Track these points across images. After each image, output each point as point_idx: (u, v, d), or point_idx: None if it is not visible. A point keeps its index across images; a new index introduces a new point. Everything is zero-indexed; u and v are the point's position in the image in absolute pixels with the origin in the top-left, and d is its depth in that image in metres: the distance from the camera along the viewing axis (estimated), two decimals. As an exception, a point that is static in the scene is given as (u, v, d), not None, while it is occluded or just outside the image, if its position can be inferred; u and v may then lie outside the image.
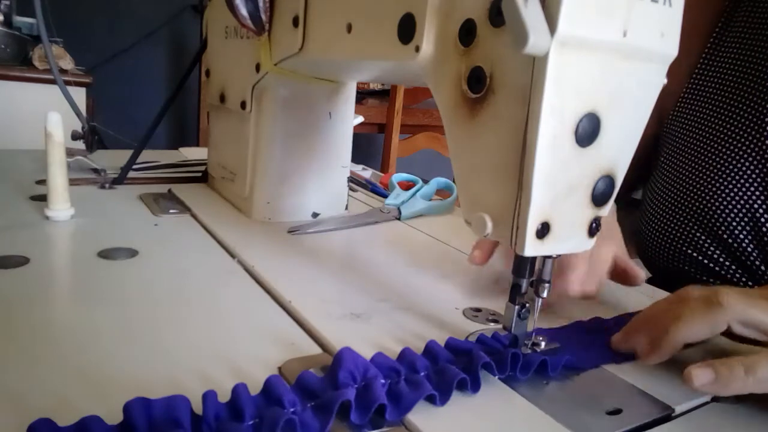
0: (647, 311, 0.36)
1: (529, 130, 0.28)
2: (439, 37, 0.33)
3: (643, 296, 0.48)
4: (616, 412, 0.30)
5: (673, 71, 0.31)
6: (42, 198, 0.55)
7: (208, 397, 0.26)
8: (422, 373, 0.30)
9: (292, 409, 0.26)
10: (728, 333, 0.33)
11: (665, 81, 0.31)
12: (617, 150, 0.30)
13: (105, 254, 0.46)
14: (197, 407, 0.26)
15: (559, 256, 0.34)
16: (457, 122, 0.32)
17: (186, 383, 0.29)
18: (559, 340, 0.37)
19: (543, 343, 0.35)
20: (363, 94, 1.97)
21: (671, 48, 0.30)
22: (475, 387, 0.30)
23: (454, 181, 0.72)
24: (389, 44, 0.36)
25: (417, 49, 0.33)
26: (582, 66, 0.27)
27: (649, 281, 0.54)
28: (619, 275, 0.45)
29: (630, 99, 0.30)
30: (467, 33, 0.30)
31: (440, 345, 0.33)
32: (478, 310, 0.42)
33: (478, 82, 0.30)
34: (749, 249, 0.55)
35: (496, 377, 0.32)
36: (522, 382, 0.32)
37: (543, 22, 0.25)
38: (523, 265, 0.33)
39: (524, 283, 0.34)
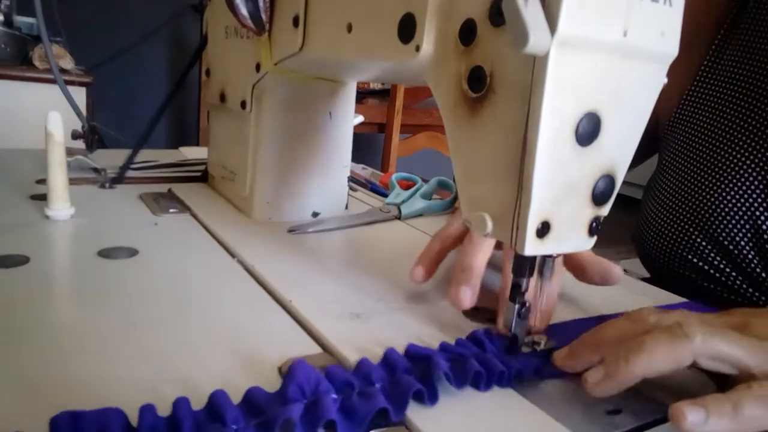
0: (600, 332, 0.33)
1: (530, 129, 0.28)
2: (440, 37, 0.33)
3: (642, 296, 0.48)
4: (616, 412, 0.30)
5: (675, 72, 0.31)
6: (42, 197, 0.55)
7: (146, 410, 0.25)
8: (377, 385, 0.29)
9: (234, 427, 0.25)
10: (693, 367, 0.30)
11: (665, 81, 0.31)
12: (617, 149, 0.30)
13: (105, 253, 0.46)
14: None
15: (560, 255, 0.34)
16: (457, 122, 0.32)
17: (185, 383, 0.29)
18: (556, 337, 0.36)
19: (542, 342, 0.35)
20: (363, 94, 1.97)
21: (671, 48, 0.30)
22: (433, 398, 0.29)
23: (454, 181, 0.72)
24: (389, 44, 0.36)
25: (417, 48, 0.33)
26: (582, 65, 0.27)
27: (650, 282, 0.54)
28: (597, 274, 0.43)
29: (630, 98, 0.30)
30: (467, 32, 0.30)
31: (398, 353, 0.32)
32: (478, 309, 0.42)
33: (478, 81, 0.30)
34: (750, 256, 0.55)
35: (481, 385, 0.31)
36: (522, 382, 0.32)
37: (543, 22, 0.25)
38: (523, 265, 0.33)
39: (524, 283, 0.34)
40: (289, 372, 0.28)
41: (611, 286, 0.43)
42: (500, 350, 0.34)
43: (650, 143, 0.68)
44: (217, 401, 0.26)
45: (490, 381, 0.31)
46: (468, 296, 0.38)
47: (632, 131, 0.31)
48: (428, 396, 0.29)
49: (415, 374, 0.30)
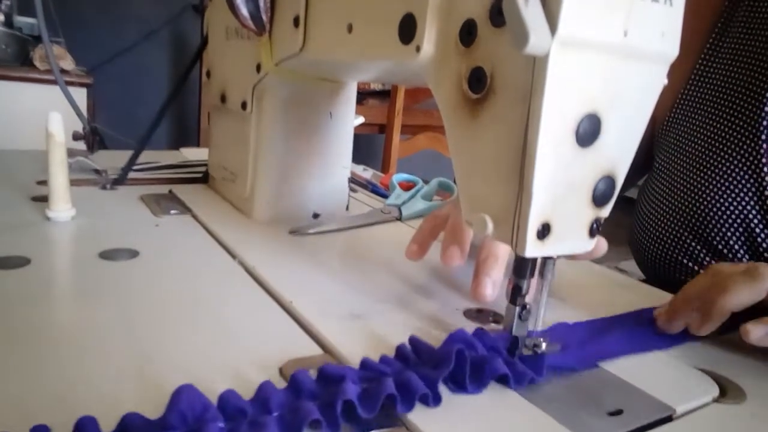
0: (687, 291, 0.40)
1: (530, 130, 0.27)
2: (440, 38, 0.33)
3: (640, 296, 0.48)
4: (617, 412, 0.30)
5: (669, 74, 0.31)
6: (43, 199, 0.55)
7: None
8: (275, 414, 0.26)
9: None
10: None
11: (666, 81, 0.31)
12: (618, 150, 0.30)
13: (106, 255, 0.46)
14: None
15: (560, 256, 0.33)
16: (457, 122, 0.32)
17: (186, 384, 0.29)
18: (557, 339, 0.36)
19: (544, 345, 0.35)
20: (364, 95, 1.97)
21: (672, 48, 0.30)
22: (333, 427, 0.26)
23: (454, 182, 0.72)
24: (390, 44, 0.36)
25: (417, 49, 0.33)
26: (583, 66, 0.27)
27: (648, 284, 0.54)
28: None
29: (630, 99, 0.30)
30: (468, 33, 0.30)
31: (308, 375, 0.29)
32: (480, 310, 0.42)
33: (478, 82, 0.30)
34: (744, 260, 0.55)
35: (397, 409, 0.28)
36: (522, 382, 0.32)
37: (543, 22, 0.25)
38: (523, 266, 0.33)
39: (525, 284, 0.34)
40: (173, 396, 0.26)
41: (597, 257, 0.45)
42: (427, 363, 0.32)
43: (649, 152, 0.68)
44: (84, 429, 0.24)
45: (408, 402, 0.28)
46: (456, 254, 0.42)
47: (633, 132, 0.31)
48: (327, 425, 0.26)
49: (321, 399, 0.27)
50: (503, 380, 0.31)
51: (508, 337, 0.34)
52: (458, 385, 0.31)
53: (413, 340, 0.33)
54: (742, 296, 0.37)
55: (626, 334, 0.39)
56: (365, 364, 0.31)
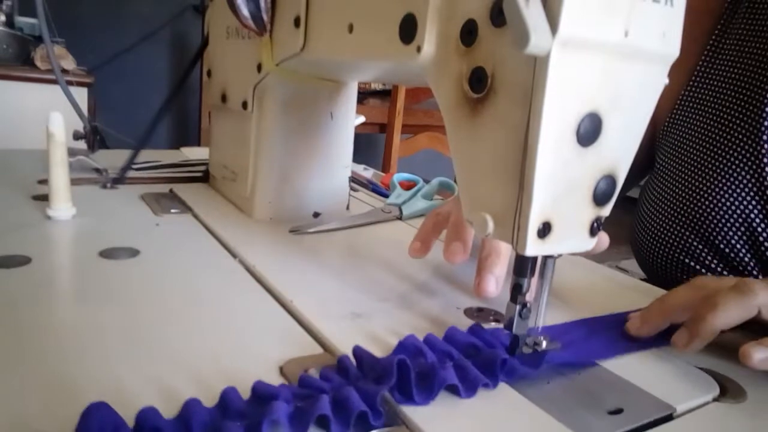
0: (668, 299, 0.38)
1: (531, 130, 0.28)
2: (441, 38, 0.33)
3: (641, 296, 0.48)
4: (618, 411, 0.30)
5: (670, 75, 0.31)
6: (44, 198, 0.55)
7: None
8: None
9: None
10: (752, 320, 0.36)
11: (666, 81, 0.31)
12: (618, 150, 0.30)
13: (106, 254, 0.46)
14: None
15: (560, 255, 0.34)
16: (458, 122, 0.32)
17: (185, 384, 0.29)
18: (557, 338, 0.36)
19: (545, 343, 0.35)
20: (364, 94, 1.98)
21: (673, 48, 0.30)
22: None
23: (455, 181, 0.72)
24: (390, 44, 0.36)
25: (418, 49, 0.33)
26: (583, 66, 0.27)
27: (648, 283, 0.54)
28: None
29: (631, 99, 0.30)
30: (468, 33, 0.30)
31: (238, 393, 0.27)
32: (480, 309, 0.42)
33: (479, 82, 0.30)
34: (746, 258, 0.55)
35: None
36: (522, 382, 0.32)
37: (544, 22, 0.25)
38: (524, 265, 0.33)
39: (525, 283, 0.34)
40: (82, 416, 0.24)
41: (599, 252, 0.43)
42: (369, 375, 0.30)
43: (650, 152, 0.68)
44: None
45: (344, 423, 0.26)
46: (459, 250, 0.43)
47: (633, 132, 0.31)
48: None
49: (249, 419, 0.26)
50: (453, 389, 0.30)
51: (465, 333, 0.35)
52: (406, 396, 0.29)
53: (357, 351, 0.32)
54: (732, 314, 0.35)
55: (623, 333, 0.39)
56: (303, 380, 0.29)
